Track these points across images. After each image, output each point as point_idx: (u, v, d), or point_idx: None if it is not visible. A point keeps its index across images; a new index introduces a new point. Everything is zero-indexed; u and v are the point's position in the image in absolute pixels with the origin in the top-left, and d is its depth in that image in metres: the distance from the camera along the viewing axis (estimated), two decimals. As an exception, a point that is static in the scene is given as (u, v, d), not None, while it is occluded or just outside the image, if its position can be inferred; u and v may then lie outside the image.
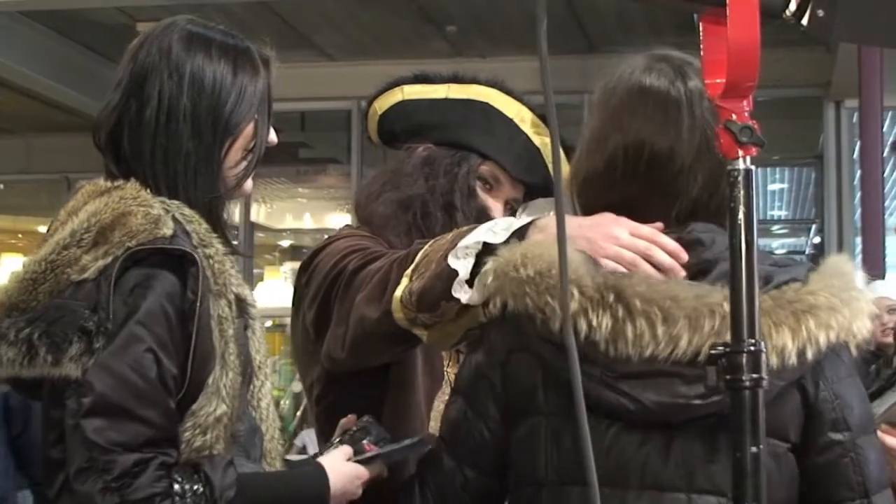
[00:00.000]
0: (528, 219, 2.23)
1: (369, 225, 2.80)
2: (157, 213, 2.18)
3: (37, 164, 14.56)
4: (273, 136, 2.49)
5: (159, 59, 2.33)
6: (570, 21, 10.87)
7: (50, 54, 11.20)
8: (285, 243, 16.65)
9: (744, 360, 1.72)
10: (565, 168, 2.33)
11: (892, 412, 2.41)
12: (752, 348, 1.73)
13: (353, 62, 12.25)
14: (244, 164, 2.40)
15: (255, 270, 14.40)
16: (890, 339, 6.72)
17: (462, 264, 2.21)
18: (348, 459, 2.33)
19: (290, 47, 11.93)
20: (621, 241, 2.11)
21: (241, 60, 2.41)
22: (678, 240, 2.15)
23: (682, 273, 2.10)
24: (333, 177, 14.36)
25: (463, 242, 2.22)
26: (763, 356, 1.73)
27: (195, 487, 2.09)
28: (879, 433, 2.40)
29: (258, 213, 14.63)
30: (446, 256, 2.24)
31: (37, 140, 14.45)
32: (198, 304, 2.16)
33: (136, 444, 2.07)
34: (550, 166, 2.80)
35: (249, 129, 2.39)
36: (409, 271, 2.35)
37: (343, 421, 2.52)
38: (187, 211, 2.27)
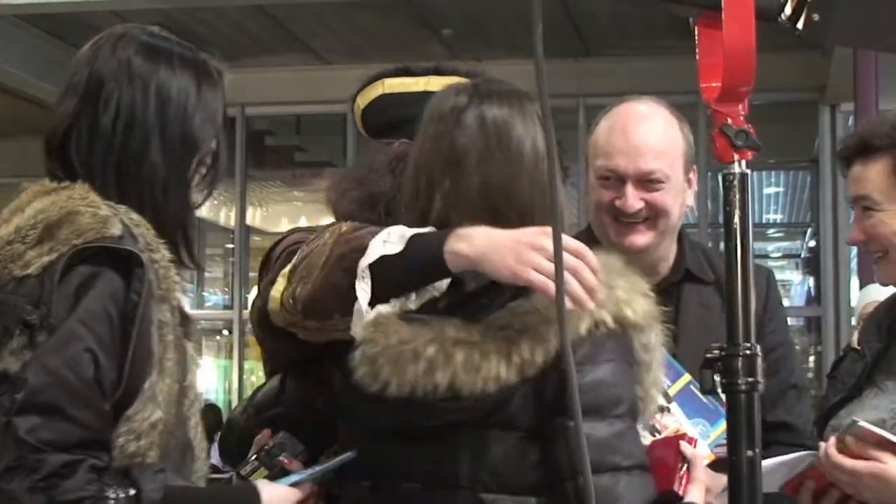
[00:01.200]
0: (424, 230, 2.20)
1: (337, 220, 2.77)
2: (105, 214, 2.15)
3: (32, 168, 14.54)
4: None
5: (118, 67, 2.30)
6: (565, 24, 10.87)
7: (45, 57, 11.19)
8: (281, 247, 16.63)
9: (739, 363, 1.73)
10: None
11: (859, 428, 2.38)
12: (747, 352, 1.73)
13: (348, 66, 12.24)
14: (204, 181, 2.41)
15: (251, 274, 14.38)
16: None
17: (362, 287, 2.17)
18: (274, 480, 2.29)
19: (285, 51, 11.94)
20: (548, 252, 2.04)
21: (202, 74, 2.35)
22: None
23: (601, 296, 2.09)
24: (329, 180, 14.35)
25: (363, 262, 2.18)
26: (759, 360, 1.73)
27: (124, 493, 2.04)
28: (832, 451, 2.40)
29: (253, 217, 14.63)
30: (336, 263, 2.22)
31: (32, 143, 14.41)
32: (140, 306, 2.11)
33: (66, 444, 2.02)
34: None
35: (211, 145, 2.36)
36: (285, 271, 2.33)
37: (258, 437, 2.50)
38: (134, 216, 2.22)
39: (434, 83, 2.77)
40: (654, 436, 2.51)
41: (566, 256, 2.00)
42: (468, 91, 2.33)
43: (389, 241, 2.16)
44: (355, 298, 2.15)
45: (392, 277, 2.15)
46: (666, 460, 2.29)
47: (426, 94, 2.65)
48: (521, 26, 9.94)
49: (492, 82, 2.39)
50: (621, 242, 2.81)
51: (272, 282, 2.37)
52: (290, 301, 2.28)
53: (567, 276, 1.98)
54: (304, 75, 12.42)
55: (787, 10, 1.86)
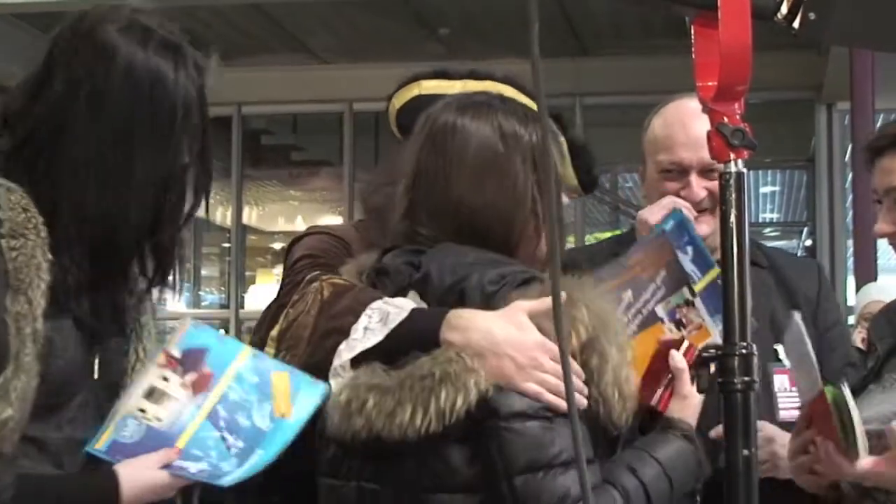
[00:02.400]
0: (408, 307, 2.17)
1: (369, 215, 2.81)
2: None
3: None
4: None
5: (79, 43, 2.21)
6: (562, 24, 10.87)
7: (39, 54, 11.17)
8: (277, 246, 16.63)
9: (735, 363, 1.73)
10: None
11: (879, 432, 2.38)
12: (743, 351, 1.73)
13: (345, 65, 12.26)
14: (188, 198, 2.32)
15: (247, 273, 14.39)
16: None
17: (339, 370, 2.18)
18: (166, 466, 2.11)
19: (282, 49, 11.94)
20: (545, 367, 2.09)
21: (180, 60, 2.25)
22: None
23: (584, 403, 2.10)
24: (325, 179, 14.37)
25: (341, 355, 2.17)
26: (755, 359, 1.73)
27: None
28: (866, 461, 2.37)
29: (250, 216, 14.63)
30: (320, 341, 2.22)
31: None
32: None
33: None
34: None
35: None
36: (274, 335, 2.36)
37: None
38: (15, 196, 2.07)
39: (471, 86, 2.78)
40: (680, 329, 2.52)
41: (557, 368, 2.06)
42: (448, 104, 2.37)
43: (371, 326, 2.16)
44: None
45: (377, 353, 2.14)
46: (654, 372, 2.28)
47: None
48: (518, 25, 9.94)
49: (483, 94, 2.42)
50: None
51: (258, 344, 2.40)
52: None
53: (557, 382, 2.06)
54: (300, 74, 12.42)
55: (784, 9, 1.86)
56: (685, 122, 2.92)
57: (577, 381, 2.09)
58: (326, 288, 2.28)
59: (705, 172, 2.88)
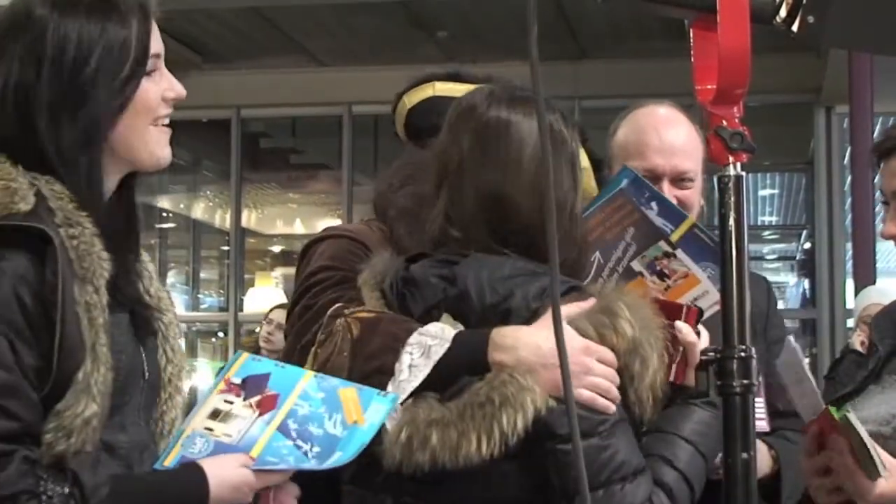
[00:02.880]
0: (449, 335, 2.14)
1: (384, 216, 2.76)
2: (16, 186, 1.95)
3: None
4: (180, 88, 2.17)
5: (19, 22, 2.06)
6: (560, 27, 10.87)
7: None
8: (276, 249, 16.65)
9: (734, 366, 1.73)
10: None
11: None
12: (742, 354, 1.73)
13: (344, 68, 12.26)
14: (153, 129, 2.13)
15: (246, 276, 14.39)
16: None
17: (391, 424, 2.13)
18: (244, 465, 2.09)
19: (281, 53, 11.94)
20: (594, 370, 2.10)
21: (109, 13, 2.09)
22: None
23: (612, 409, 2.11)
24: (324, 182, 14.37)
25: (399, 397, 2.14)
26: (754, 362, 1.73)
27: (62, 489, 1.87)
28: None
29: (249, 219, 14.63)
30: (362, 382, 2.16)
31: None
32: (60, 289, 1.91)
33: None
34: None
35: (141, 90, 2.10)
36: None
37: None
38: (58, 187, 2.00)
39: None
40: (664, 281, 2.51)
41: (606, 370, 2.09)
42: (482, 96, 2.32)
43: (414, 362, 2.13)
44: None
45: (424, 383, 2.12)
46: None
47: None
48: (516, 29, 9.94)
49: (510, 87, 2.36)
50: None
51: None
52: None
53: (608, 385, 2.09)
54: (299, 77, 12.42)
55: (783, 12, 1.86)
56: (658, 129, 2.91)
57: (612, 386, 2.10)
58: (354, 325, 2.22)
59: (677, 181, 2.87)
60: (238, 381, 2.17)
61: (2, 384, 1.86)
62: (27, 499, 1.83)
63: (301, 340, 2.41)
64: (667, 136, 2.88)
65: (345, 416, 2.13)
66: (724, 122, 1.81)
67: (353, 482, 2.24)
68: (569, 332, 2.07)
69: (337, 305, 2.31)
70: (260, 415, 2.12)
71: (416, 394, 2.10)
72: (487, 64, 10.98)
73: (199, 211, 15.23)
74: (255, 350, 7.77)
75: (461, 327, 2.16)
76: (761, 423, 2.67)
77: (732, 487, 1.72)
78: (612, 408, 2.08)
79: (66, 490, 1.87)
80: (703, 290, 2.52)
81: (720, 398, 2.09)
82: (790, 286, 16.76)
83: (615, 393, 2.10)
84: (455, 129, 2.30)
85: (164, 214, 15.07)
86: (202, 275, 15.25)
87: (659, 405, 2.17)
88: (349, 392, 2.16)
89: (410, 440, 2.05)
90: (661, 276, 2.55)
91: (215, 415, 2.12)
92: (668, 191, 2.85)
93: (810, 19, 1.85)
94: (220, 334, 14.54)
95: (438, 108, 2.74)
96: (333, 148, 13.18)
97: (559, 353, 1.50)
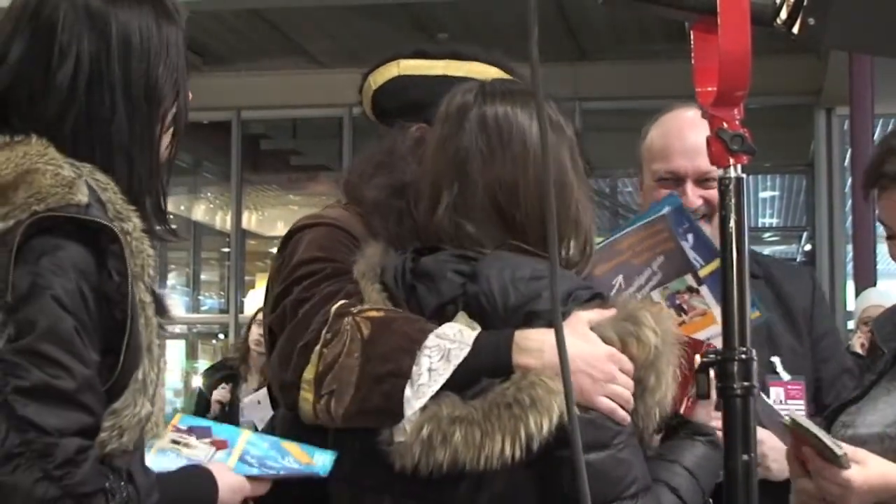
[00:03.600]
0: (468, 339, 2.09)
1: (360, 206, 2.68)
2: (69, 175, 1.86)
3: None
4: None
5: (71, 10, 1.99)
6: (561, 29, 10.88)
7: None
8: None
9: (735, 368, 1.73)
10: None
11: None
12: (743, 356, 1.73)
13: (344, 69, 12.21)
14: (170, 138, 2.09)
15: (247, 277, 14.39)
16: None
17: (410, 425, 2.09)
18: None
19: (281, 54, 11.95)
20: (618, 379, 2.08)
21: (160, 12, 2.07)
22: None
23: (628, 419, 2.09)
24: (324, 184, 14.36)
25: (412, 404, 2.07)
26: (754, 364, 1.73)
27: (124, 488, 1.83)
28: None
29: (249, 221, 14.63)
30: (374, 385, 2.11)
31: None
32: (127, 287, 1.85)
33: (72, 429, 1.76)
34: None
35: (175, 96, 2.07)
36: (309, 378, 2.19)
37: None
38: (101, 176, 1.93)
39: (453, 67, 2.69)
40: (681, 315, 2.51)
41: (628, 380, 2.07)
42: (473, 91, 2.30)
43: (433, 366, 2.09)
44: (401, 416, 2.08)
45: (445, 384, 2.09)
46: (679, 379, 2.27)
47: (444, 79, 2.60)
48: (517, 30, 9.95)
49: (500, 82, 2.36)
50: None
51: (290, 386, 2.24)
52: (327, 414, 2.17)
53: (628, 396, 2.06)
54: (299, 79, 12.43)
55: (783, 14, 1.86)
56: (682, 131, 2.92)
57: (627, 393, 2.08)
58: (364, 324, 2.17)
59: (701, 181, 2.88)
60: (185, 427, 2.17)
61: (82, 379, 1.79)
62: (102, 497, 1.78)
63: (301, 338, 2.28)
64: (690, 137, 2.88)
65: (296, 458, 2.16)
66: (725, 124, 1.81)
67: (347, 480, 2.20)
68: (593, 338, 2.07)
69: (342, 303, 2.24)
70: (217, 450, 2.14)
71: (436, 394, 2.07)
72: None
73: (199, 212, 15.24)
74: (245, 354, 7.63)
75: (478, 327, 2.13)
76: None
77: (733, 489, 1.72)
78: (629, 419, 2.06)
79: (127, 490, 1.83)
80: (718, 332, 2.53)
81: (719, 444, 2.15)
82: (790, 288, 16.74)
83: (633, 404, 2.08)
84: (452, 125, 2.27)
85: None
86: (203, 276, 15.25)
87: (661, 423, 2.15)
88: (292, 445, 2.19)
89: (432, 437, 2.01)
90: (679, 310, 2.55)
91: (175, 443, 2.14)
92: (693, 192, 2.86)
93: (811, 21, 1.85)
94: (221, 336, 14.55)
95: (405, 86, 2.72)
96: (334, 149, 13.20)
97: (559, 354, 1.50)
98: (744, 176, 1.80)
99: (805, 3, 1.84)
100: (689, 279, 2.55)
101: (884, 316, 2.89)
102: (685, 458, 2.19)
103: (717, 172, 2.88)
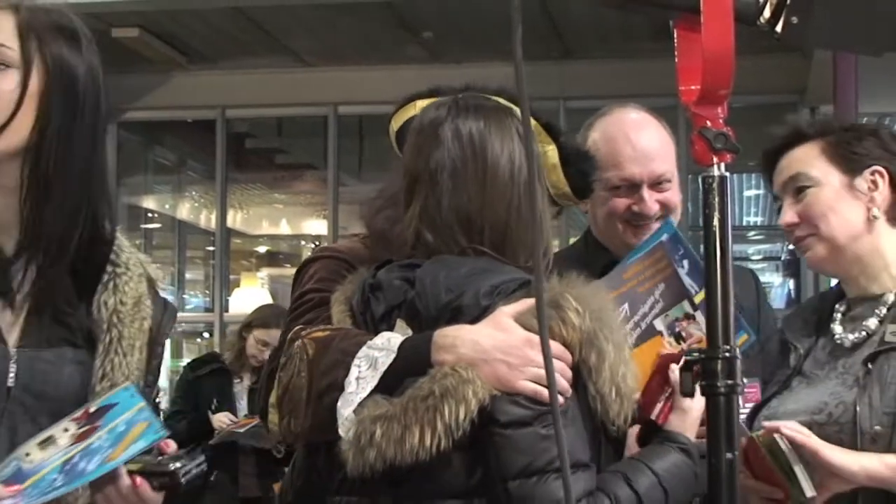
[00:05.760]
0: (395, 345, 2.18)
1: (373, 238, 2.79)
2: None
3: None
4: None
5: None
6: (545, 27, 10.88)
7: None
8: (262, 249, 16.63)
9: (719, 366, 1.73)
10: None
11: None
12: (727, 355, 1.73)
13: (329, 68, 12.25)
14: None
15: (232, 276, 14.37)
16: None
17: (344, 422, 2.18)
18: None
19: (266, 53, 11.93)
20: (537, 363, 2.11)
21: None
22: None
23: (568, 391, 2.13)
24: (310, 182, 14.36)
25: (342, 413, 2.17)
26: (738, 363, 1.73)
27: None
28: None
29: (234, 219, 14.60)
30: (318, 401, 2.22)
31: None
32: None
33: None
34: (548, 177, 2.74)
35: None
36: (273, 401, 2.35)
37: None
38: None
39: None
40: (679, 343, 2.53)
41: (539, 357, 2.09)
42: (447, 105, 2.37)
43: (362, 375, 2.17)
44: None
45: (376, 389, 2.16)
46: (654, 386, 2.28)
47: None
48: (502, 29, 9.95)
49: (473, 97, 2.42)
50: (640, 243, 2.87)
51: (263, 411, 2.42)
52: (290, 433, 2.31)
53: (540, 372, 2.09)
54: (284, 77, 12.40)
55: (766, 13, 1.87)
56: (629, 136, 2.92)
57: (565, 371, 2.11)
58: (310, 345, 2.28)
59: (655, 185, 2.89)
60: (93, 409, 2.15)
61: None
62: None
63: (270, 367, 2.47)
64: (640, 141, 2.90)
65: (109, 455, 2.10)
66: (709, 123, 1.82)
67: (339, 493, 2.27)
68: (510, 327, 2.12)
69: (297, 328, 2.36)
70: (73, 443, 2.11)
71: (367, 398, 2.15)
72: (472, 64, 11.02)
73: (184, 211, 15.20)
74: (240, 355, 7.69)
75: (410, 333, 2.21)
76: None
77: (716, 488, 1.72)
78: (559, 399, 2.08)
79: None
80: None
81: (692, 452, 2.19)
82: (775, 286, 16.77)
83: (563, 385, 2.10)
84: (422, 141, 2.36)
85: (150, 215, 15.04)
86: (187, 275, 15.21)
87: (626, 402, 2.16)
88: (139, 427, 2.14)
89: (360, 438, 2.09)
90: (678, 337, 2.56)
91: (44, 441, 2.11)
92: (650, 196, 2.88)
93: (794, 20, 1.86)
94: (206, 335, 14.52)
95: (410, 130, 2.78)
96: (319, 148, 13.17)
97: (543, 351, 1.50)
98: (727, 174, 1.80)
99: (788, 2, 1.85)
100: (687, 305, 2.56)
101: (791, 316, 2.94)
102: (654, 461, 2.22)
103: (669, 173, 2.92)
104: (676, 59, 1.88)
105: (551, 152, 2.56)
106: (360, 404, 2.13)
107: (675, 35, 1.89)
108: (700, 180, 1.80)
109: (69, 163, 2.11)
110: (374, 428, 2.08)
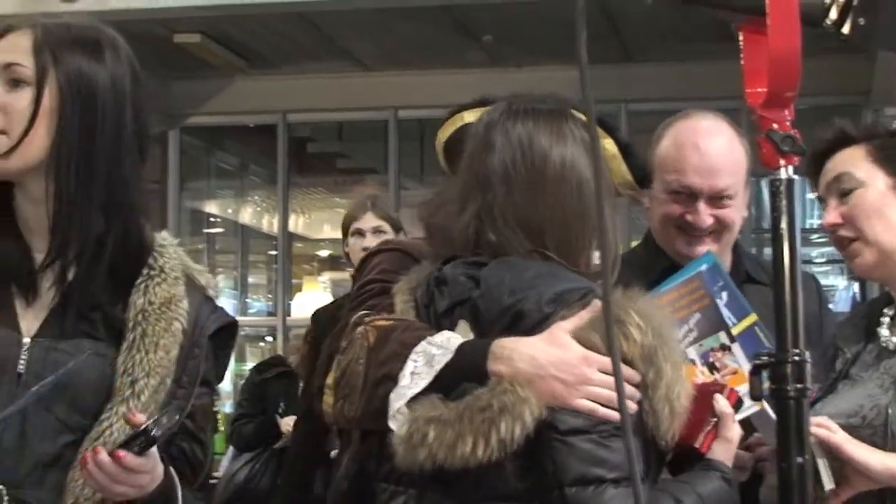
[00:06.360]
0: (453, 345, 2.19)
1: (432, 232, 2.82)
2: None
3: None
4: None
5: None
6: (606, 30, 10.85)
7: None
8: (323, 253, 16.68)
9: (788, 370, 1.72)
10: None
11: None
12: (796, 358, 1.72)
13: (389, 72, 12.28)
14: None
15: (294, 280, 14.43)
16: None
17: (396, 415, 2.20)
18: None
19: (326, 58, 11.97)
20: (594, 381, 2.11)
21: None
22: None
23: (634, 408, 2.12)
24: (371, 186, 14.39)
25: (393, 405, 2.19)
26: (808, 367, 1.72)
27: None
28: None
29: (296, 223, 14.67)
30: (374, 389, 2.24)
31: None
32: None
33: None
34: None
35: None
36: (330, 383, 2.37)
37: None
38: None
39: None
40: (713, 374, 2.53)
41: (604, 378, 2.10)
42: (500, 109, 2.40)
43: (417, 370, 2.19)
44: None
45: (431, 386, 2.17)
46: (696, 413, 2.28)
47: None
48: (562, 32, 9.93)
49: (529, 100, 2.43)
50: (689, 254, 2.90)
51: (318, 390, 2.44)
52: (343, 419, 2.33)
53: (609, 394, 2.08)
54: (345, 82, 12.45)
55: (832, 14, 1.85)
56: (698, 145, 2.91)
57: (630, 389, 2.10)
58: (371, 332, 2.30)
59: (715, 199, 2.88)
60: None
61: None
62: None
63: (331, 349, 2.49)
64: (707, 153, 2.88)
65: None
66: (775, 126, 1.81)
67: (387, 481, 2.29)
68: (567, 343, 2.12)
69: (361, 314, 2.39)
70: None
71: (422, 395, 2.16)
72: (532, 68, 11.01)
73: (246, 216, 15.29)
74: None
75: (472, 337, 2.21)
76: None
77: (788, 492, 1.71)
78: (615, 416, 2.08)
79: None
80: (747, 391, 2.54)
81: (732, 483, 2.22)
82: (840, 289, 16.63)
83: (630, 405, 2.10)
84: (474, 145, 2.39)
85: (212, 219, 15.13)
86: (250, 279, 15.30)
87: (677, 420, 2.16)
88: None
89: (411, 436, 2.11)
90: (712, 367, 2.56)
91: None
92: (705, 210, 2.88)
93: (861, 21, 1.84)
94: (269, 339, 14.59)
95: (467, 133, 2.79)
96: (379, 152, 13.21)
97: (611, 360, 1.50)
98: (795, 177, 1.79)
99: (855, 3, 1.83)
100: (723, 336, 2.55)
101: (845, 320, 2.95)
102: (698, 484, 2.22)
103: (732, 190, 2.90)
104: (742, 62, 1.87)
105: (609, 145, 2.57)
106: (415, 400, 2.14)
107: (741, 37, 1.88)
108: (768, 183, 1.79)
109: (92, 174, 2.20)
110: (427, 429, 2.09)
